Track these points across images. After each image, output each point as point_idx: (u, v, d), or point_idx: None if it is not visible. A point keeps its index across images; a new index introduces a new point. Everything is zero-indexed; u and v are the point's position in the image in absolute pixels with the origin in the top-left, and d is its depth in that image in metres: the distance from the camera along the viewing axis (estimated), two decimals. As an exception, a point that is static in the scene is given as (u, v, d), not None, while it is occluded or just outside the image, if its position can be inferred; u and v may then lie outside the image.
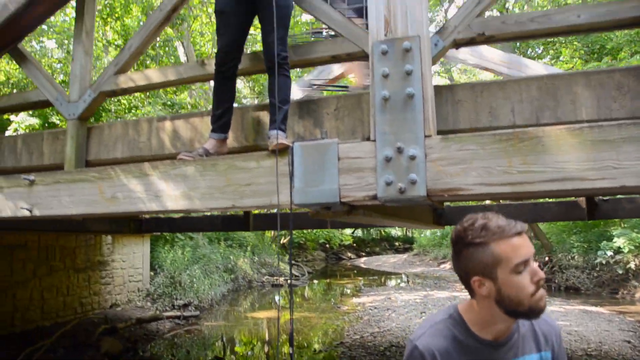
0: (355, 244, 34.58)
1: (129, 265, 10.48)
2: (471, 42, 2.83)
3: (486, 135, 2.30)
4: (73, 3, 4.05)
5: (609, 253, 12.26)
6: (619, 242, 11.92)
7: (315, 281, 18.87)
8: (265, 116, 3.35)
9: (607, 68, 3.35)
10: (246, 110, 3.45)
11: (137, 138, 3.69)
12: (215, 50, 4.44)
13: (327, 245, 28.94)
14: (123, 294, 10.21)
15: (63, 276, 8.58)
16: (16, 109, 4.83)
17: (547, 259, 15.23)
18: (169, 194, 2.87)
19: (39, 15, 3.78)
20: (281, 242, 20.67)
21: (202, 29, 18.69)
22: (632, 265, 12.08)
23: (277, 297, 13.80)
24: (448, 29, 2.80)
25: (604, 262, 12.69)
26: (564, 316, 9.46)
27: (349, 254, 31.77)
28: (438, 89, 2.88)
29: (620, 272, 12.42)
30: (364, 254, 34.46)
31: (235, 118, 3.32)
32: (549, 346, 1.52)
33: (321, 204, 2.53)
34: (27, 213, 3.35)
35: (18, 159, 4.21)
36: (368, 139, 2.71)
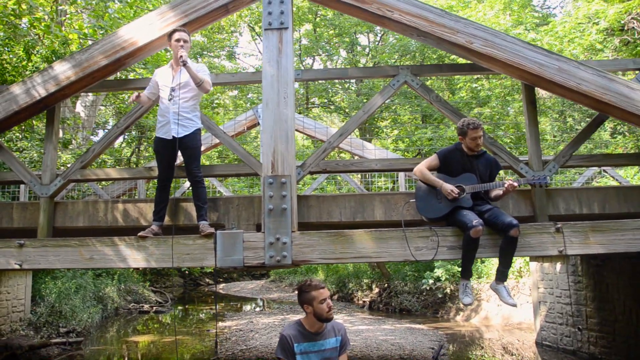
0: (213, 270, 34.61)
1: (12, 297, 11.22)
2: (319, 172, 4.94)
3: (323, 232, 4.40)
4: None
5: (431, 281, 15.26)
6: (438, 272, 14.97)
7: (180, 307, 20.03)
8: (188, 205, 5.11)
9: (390, 192, 5.71)
10: (176, 201, 5.22)
11: (96, 214, 5.25)
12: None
13: (186, 272, 29.32)
14: (7, 324, 10.94)
15: (-44, 307, 9.33)
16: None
17: (386, 285, 18.12)
18: (133, 257, 4.59)
19: (19, 120, 5.22)
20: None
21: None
22: (448, 290, 15.18)
23: (163, 319, 14.95)
24: (306, 165, 4.88)
25: (428, 288, 15.69)
26: (392, 332, 12.01)
27: (207, 280, 32.12)
28: (299, 198, 4.92)
29: (440, 296, 15.50)
30: (221, 280, 34.82)
31: (170, 206, 5.07)
32: (340, 334, 3.56)
33: (233, 266, 4.44)
34: (17, 267, 4.80)
35: (-12, 221, 5.50)
36: (258, 226, 4.70)
